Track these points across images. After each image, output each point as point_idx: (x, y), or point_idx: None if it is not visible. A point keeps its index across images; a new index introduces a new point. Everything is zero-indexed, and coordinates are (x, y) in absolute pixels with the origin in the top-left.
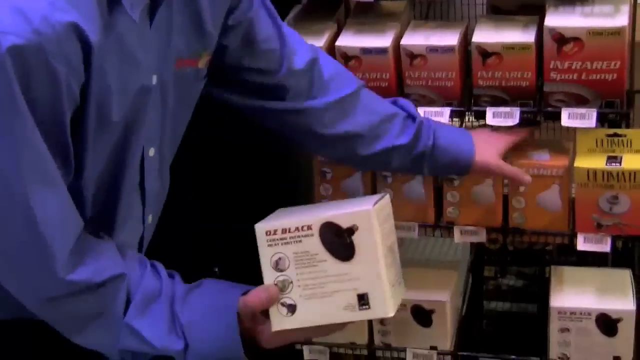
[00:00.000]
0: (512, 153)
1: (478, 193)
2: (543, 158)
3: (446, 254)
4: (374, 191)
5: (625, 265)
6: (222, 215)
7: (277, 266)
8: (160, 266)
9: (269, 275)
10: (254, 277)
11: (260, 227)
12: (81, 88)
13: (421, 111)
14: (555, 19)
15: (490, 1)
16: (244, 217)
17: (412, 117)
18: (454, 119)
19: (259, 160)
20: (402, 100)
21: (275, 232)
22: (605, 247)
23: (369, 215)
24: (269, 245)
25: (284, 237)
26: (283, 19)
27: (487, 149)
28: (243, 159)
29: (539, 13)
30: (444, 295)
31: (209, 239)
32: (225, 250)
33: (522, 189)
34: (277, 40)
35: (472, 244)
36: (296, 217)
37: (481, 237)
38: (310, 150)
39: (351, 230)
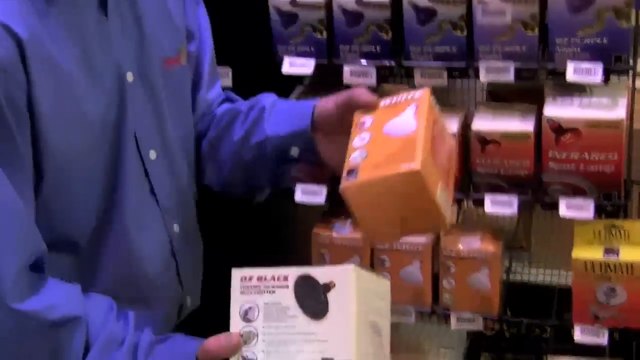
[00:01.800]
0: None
1: (474, 281)
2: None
3: (442, 339)
4: None
5: (622, 355)
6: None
7: (246, 315)
8: (131, 316)
9: (235, 324)
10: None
11: (237, 272)
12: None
13: None
14: (553, 109)
15: (489, 88)
16: None
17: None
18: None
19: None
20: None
21: (250, 278)
22: (603, 339)
23: (349, 273)
24: (242, 293)
25: (258, 285)
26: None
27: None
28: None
29: (538, 100)
30: None
31: None
32: None
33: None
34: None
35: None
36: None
37: (478, 324)
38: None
39: (328, 287)
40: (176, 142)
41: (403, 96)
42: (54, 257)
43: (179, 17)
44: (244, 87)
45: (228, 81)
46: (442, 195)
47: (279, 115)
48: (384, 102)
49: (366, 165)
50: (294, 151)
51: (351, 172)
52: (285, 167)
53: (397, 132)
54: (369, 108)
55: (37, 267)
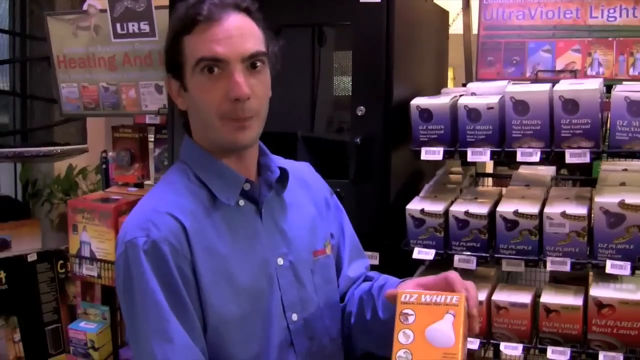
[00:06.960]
0: None
1: None
2: None
3: None
4: None
5: None
6: None
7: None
8: None
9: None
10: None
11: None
12: (192, 260)
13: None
14: (597, 290)
15: (552, 274)
16: None
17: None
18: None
19: None
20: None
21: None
22: None
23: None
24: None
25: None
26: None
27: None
28: None
29: (585, 284)
30: None
31: None
32: None
33: None
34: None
35: None
36: None
37: None
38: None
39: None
40: (318, 308)
41: (442, 297)
42: None
43: (324, 223)
44: (389, 266)
45: (376, 261)
46: None
47: (386, 304)
48: (425, 298)
49: None
50: None
51: None
52: None
53: (438, 342)
54: (412, 296)
55: None
